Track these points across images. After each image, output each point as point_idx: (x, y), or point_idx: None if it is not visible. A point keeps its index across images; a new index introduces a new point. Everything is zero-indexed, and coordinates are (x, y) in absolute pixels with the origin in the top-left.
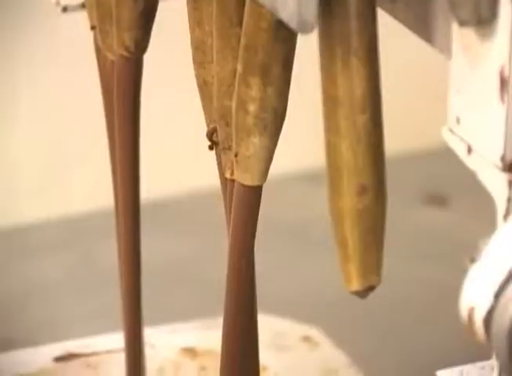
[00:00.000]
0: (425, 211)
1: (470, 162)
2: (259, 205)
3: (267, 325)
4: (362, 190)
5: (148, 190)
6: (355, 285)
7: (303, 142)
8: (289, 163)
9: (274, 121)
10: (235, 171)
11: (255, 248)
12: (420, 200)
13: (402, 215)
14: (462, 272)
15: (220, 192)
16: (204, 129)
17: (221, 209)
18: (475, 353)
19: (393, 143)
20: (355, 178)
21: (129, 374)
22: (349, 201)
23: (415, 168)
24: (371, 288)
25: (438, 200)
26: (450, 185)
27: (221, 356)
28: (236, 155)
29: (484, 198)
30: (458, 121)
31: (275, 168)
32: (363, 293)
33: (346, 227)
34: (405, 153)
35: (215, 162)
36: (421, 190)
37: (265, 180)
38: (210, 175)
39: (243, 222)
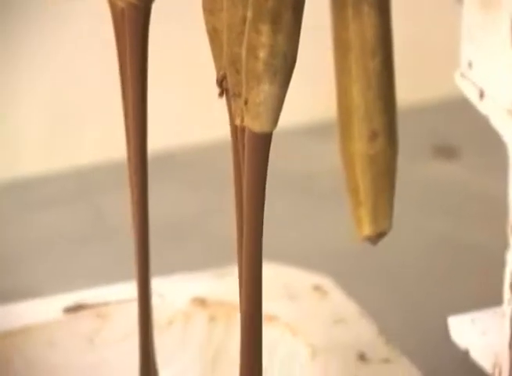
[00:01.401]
0: (434, 163)
1: (482, 107)
2: (268, 152)
3: (277, 275)
4: (373, 135)
5: (156, 142)
6: (367, 230)
7: (309, 94)
8: (295, 115)
9: (284, 67)
10: (245, 118)
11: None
12: (428, 153)
13: (411, 167)
14: (471, 224)
15: (229, 144)
16: (213, 79)
17: (231, 161)
18: (486, 300)
19: (401, 94)
20: (365, 123)
21: (140, 324)
22: (360, 147)
23: (423, 120)
24: (382, 234)
25: (446, 152)
26: (459, 137)
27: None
28: (245, 102)
29: (493, 150)
30: (470, 65)
31: (281, 121)
32: (374, 239)
33: (357, 172)
34: (414, 105)
35: (223, 113)
36: (430, 142)
37: (274, 127)
38: (219, 127)
39: (253, 169)
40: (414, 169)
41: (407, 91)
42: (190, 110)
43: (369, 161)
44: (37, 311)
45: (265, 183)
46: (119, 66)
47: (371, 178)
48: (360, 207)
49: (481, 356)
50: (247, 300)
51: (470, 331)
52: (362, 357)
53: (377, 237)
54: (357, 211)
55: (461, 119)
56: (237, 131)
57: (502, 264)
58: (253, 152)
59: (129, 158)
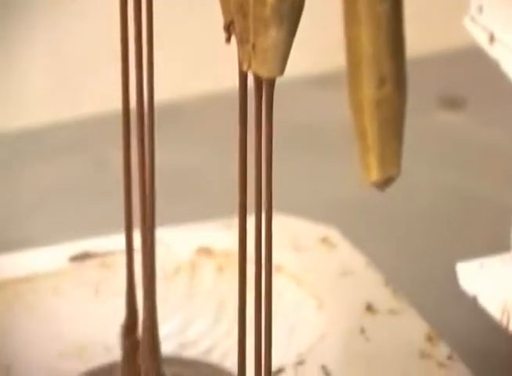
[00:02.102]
0: (440, 114)
1: (492, 51)
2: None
3: (284, 226)
4: (381, 80)
5: (162, 93)
6: (375, 176)
7: (316, 42)
8: (300, 66)
9: (291, 13)
10: (252, 64)
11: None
12: (435, 103)
13: (417, 118)
14: (477, 174)
15: (234, 95)
16: (219, 29)
17: (236, 112)
18: (495, 246)
19: (408, 43)
20: (374, 68)
21: (145, 273)
22: (369, 92)
23: (430, 70)
24: (390, 180)
25: (453, 102)
26: (466, 87)
27: None
28: (253, 48)
29: (501, 101)
30: (480, 9)
31: (287, 71)
32: (382, 184)
33: (366, 118)
34: (421, 54)
35: (229, 64)
36: (436, 93)
37: (282, 73)
38: (224, 78)
39: (261, 114)
40: (420, 120)
41: (414, 40)
42: (196, 60)
43: (378, 107)
44: (43, 260)
45: (271, 129)
46: (121, 16)
47: (379, 124)
48: (368, 153)
49: (490, 303)
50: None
51: (478, 278)
52: (369, 308)
53: (385, 183)
54: (365, 157)
55: (468, 69)
56: (245, 77)
57: (509, 212)
58: (259, 97)
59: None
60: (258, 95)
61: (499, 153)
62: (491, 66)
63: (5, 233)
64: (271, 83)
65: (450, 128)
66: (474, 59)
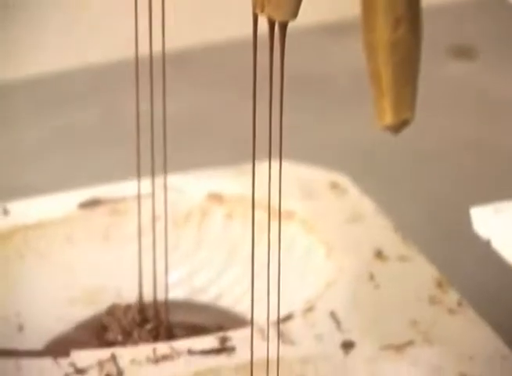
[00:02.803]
0: (453, 63)
1: None
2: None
3: (295, 172)
4: (396, 22)
5: (172, 42)
6: (389, 118)
7: None
8: (309, 15)
9: None
10: (266, 8)
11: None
12: (448, 53)
13: (429, 67)
14: (488, 123)
15: (245, 44)
16: None
17: (247, 60)
18: (509, 192)
19: None
20: (389, 10)
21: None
22: (383, 34)
23: (441, 19)
24: (405, 123)
25: (466, 52)
26: (478, 37)
27: None
28: None
29: None
30: None
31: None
32: (397, 128)
33: (380, 61)
34: (434, 4)
35: (239, 13)
36: (448, 43)
37: (295, 17)
38: (234, 27)
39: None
40: (431, 70)
41: None
42: (205, 9)
43: (392, 49)
44: (53, 206)
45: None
46: None
47: (394, 67)
48: (382, 97)
49: (504, 246)
50: None
51: (492, 222)
52: (378, 255)
53: (399, 127)
54: (379, 101)
55: (480, 20)
56: (257, 20)
57: None
58: (272, 39)
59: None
60: (271, 37)
61: (509, 103)
62: (503, 18)
63: (15, 179)
64: (284, 25)
65: (461, 78)
66: (487, 10)
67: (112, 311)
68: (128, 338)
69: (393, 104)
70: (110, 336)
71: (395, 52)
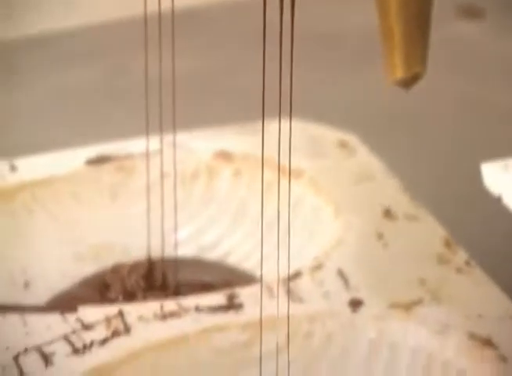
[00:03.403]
0: (462, 23)
1: None
2: None
3: (303, 131)
4: None
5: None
6: (401, 72)
7: None
8: None
9: None
10: None
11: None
12: (457, 13)
13: (437, 27)
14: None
15: (257, 2)
16: None
17: (257, 20)
18: None
19: None
20: None
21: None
22: None
23: None
24: (416, 77)
25: (475, 12)
26: None
27: None
28: None
29: None
30: None
31: None
32: (408, 82)
33: (392, 15)
34: None
35: None
36: (456, 2)
37: None
38: None
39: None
40: (440, 29)
41: None
42: None
43: (404, 4)
44: (60, 163)
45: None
46: None
47: (406, 21)
48: (394, 52)
49: None
50: None
51: (503, 178)
52: (386, 214)
53: (411, 81)
54: (391, 56)
55: None
56: None
57: None
58: None
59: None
60: None
61: None
62: None
63: (22, 136)
64: None
65: (470, 37)
66: None
67: (116, 269)
68: (129, 298)
69: (404, 58)
70: (112, 295)
71: (408, 7)
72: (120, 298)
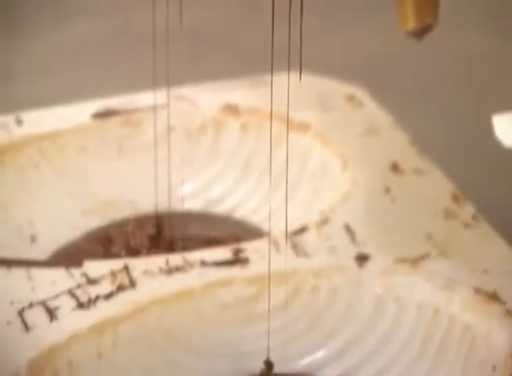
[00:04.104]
0: None
1: None
2: None
3: (311, 84)
4: None
5: None
6: (412, 23)
7: None
8: None
9: None
10: None
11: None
12: None
13: None
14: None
15: None
16: None
17: None
18: None
19: None
20: None
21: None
22: None
23: None
24: (427, 28)
25: None
26: None
27: None
28: None
29: None
30: None
31: None
32: (420, 33)
33: None
34: None
35: None
36: None
37: None
38: None
39: None
40: None
41: None
42: None
43: None
44: (66, 117)
45: None
46: None
47: None
48: (405, 1)
49: None
50: None
51: None
52: (394, 168)
53: (422, 32)
54: (402, 7)
55: None
56: None
57: None
58: None
59: None
60: None
61: None
62: None
63: (28, 89)
64: None
65: None
66: None
67: (122, 224)
68: (133, 255)
69: (416, 9)
70: (115, 250)
71: None
72: (123, 253)
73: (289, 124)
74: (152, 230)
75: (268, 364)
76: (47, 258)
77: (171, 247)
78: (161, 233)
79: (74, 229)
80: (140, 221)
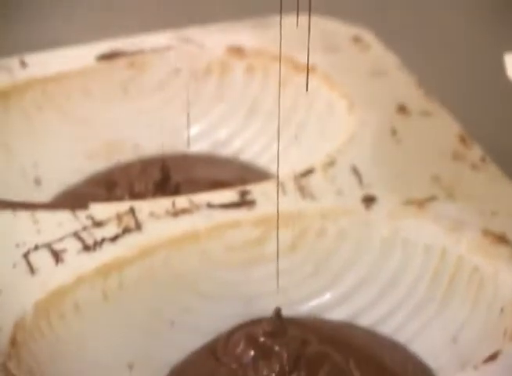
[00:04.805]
0: None
1: None
2: None
3: (317, 25)
4: None
5: None
6: None
7: None
8: None
9: None
10: None
11: None
12: None
13: None
14: None
15: None
16: None
17: None
18: None
19: None
20: None
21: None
22: None
23: None
24: None
25: None
26: None
27: None
28: None
29: None
30: None
31: None
32: None
33: None
34: None
35: None
36: None
37: None
38: None
39: None
40: None
41: None
42: None
43: None
44: (71, 59)
45: None
46: None
47: None
48: None
49: None
50: None
51: None
52: (401, 109)
53: None
54: None
55: None
56: None
57: None
58: None
59: None
60: None
61: None
62: None
63: (32, 32)
64: None
65: None
66: None
67: (126, 168)
68: (136, 198)
69: None
70: (119, 193)
71: None
72: (127, 197)
73: (295, 65)
74: (157, 175)
75: (278, 313)
76: (51, 201)
77: (176, 191)
78: (167, 178)
79: (78, 173)
80: (145, 164)
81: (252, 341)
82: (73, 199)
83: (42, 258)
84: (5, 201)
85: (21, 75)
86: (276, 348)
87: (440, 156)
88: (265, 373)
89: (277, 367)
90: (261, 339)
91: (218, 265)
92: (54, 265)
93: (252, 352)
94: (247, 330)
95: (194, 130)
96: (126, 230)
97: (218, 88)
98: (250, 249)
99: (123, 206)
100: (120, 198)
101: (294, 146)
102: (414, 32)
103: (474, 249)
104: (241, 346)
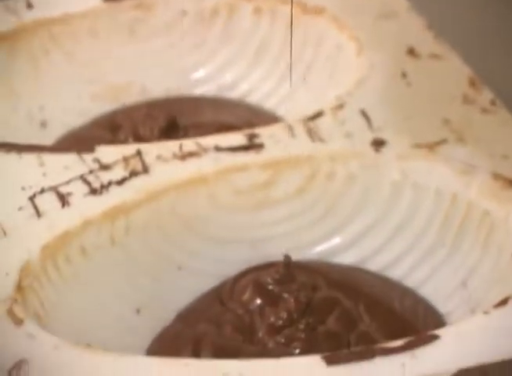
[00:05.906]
0: None
1: None
2: None
3: None
4: None
5: None
6: None
7: None
8: None
9: None
10: None
11: None
12: None
13: None
14: None
15: None
16: None
17: None
18: None
19: None
20: None
21: None
22: None
23: None
24: None
25: None
26: None
27: None
28: None
29: None
30: None
31: None
32: None
33: None
34: None
35: None
36: None
37: None
38: None
39: None
40: None
41: None
42: None
43: None
44: (77, 0)
45: None
46: None
47: None
48: None
49: None
50: None
51: None
52: (410, 52)
53: None
54: None
55: None
56: None
57: None
58: None
59: None
60: None
61: None
62: None
63: None
64: None
65: None
66: None
67: (131, 111)
68: (139, 141)
69: None
70: (122, 136)
71: None
72: (131, 140)
73: (302, 7)
74: (163, 122)
75: (287, 261)
76: (55, 143)
77: (183, 135)
78: (173, 126)
79: (84, 115)
80: (151, 108)
81: (259, 289)
82: (76, 141)
83: (48, 202)
84: (11, 144)
85: (27, 17)
86: (285, 295)
87: (450, 99)
88: (272, 319)
89: (285, 315)
90: (270, 287)
91: (226, 208)
92: (60, 208)
93: (259, 300)
94: (255, 277)
95: (200, 73)
96: (133, 173)
97: (225, 30)
98: (258, 193)
99: (130, 149)
100: (124, 141)
101: (303, 89)
102: None
103: (484, 193)
104: (248, 293)
